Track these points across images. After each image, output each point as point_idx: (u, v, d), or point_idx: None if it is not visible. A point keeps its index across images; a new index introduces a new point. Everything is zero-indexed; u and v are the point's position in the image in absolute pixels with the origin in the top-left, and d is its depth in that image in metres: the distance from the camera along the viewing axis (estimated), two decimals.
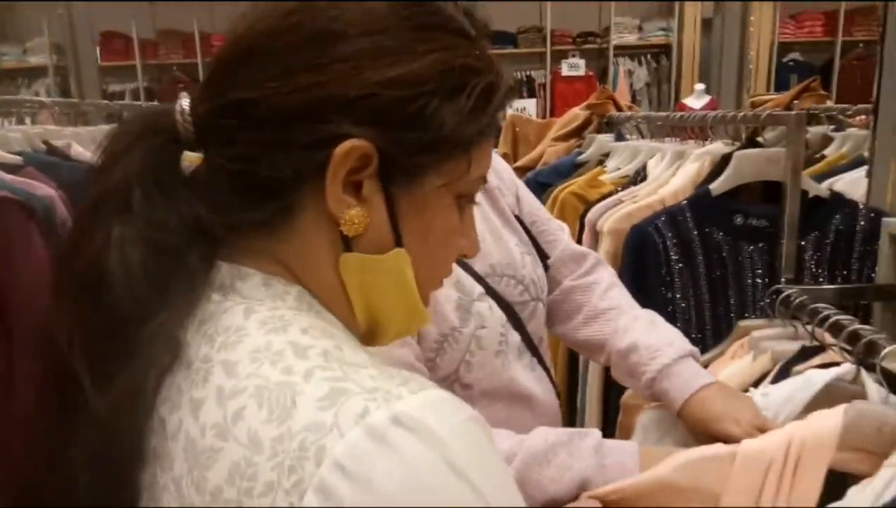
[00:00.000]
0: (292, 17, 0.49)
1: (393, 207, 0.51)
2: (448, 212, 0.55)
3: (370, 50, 0.48)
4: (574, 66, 6.48)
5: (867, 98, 1.65)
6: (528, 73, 6.67)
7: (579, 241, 1.71)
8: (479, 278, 0.94)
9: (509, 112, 3.23)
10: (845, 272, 1.47)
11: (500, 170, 1.07)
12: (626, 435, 0.99)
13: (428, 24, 0.51)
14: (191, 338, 0.48)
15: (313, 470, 0.39)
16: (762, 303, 1.29)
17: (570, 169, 2.31)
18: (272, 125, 0.48)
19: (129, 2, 6.26)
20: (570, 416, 1.87)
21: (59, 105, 2.39)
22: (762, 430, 0.79)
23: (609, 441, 0.83)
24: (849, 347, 0.84)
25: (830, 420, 0.72)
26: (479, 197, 0.62)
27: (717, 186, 1.48)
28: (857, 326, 0.84)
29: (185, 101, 0.51)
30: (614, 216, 1.69)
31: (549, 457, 0.80)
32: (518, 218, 1.05)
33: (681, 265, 1.48)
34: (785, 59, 6.42)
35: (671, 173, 1.80)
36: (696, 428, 0.88)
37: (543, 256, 1.06)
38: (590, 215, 1.77)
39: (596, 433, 0.83)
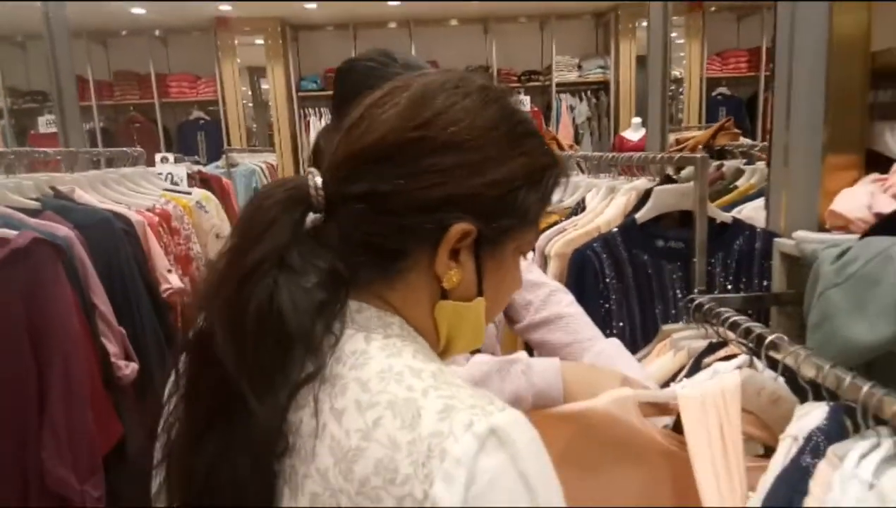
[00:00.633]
0: (418, 130, 0.59)
1: (480, 267, 0.63)
2: (515, 267, 0.69)
3: (478, 161, 0.60)
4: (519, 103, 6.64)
5: None
6: None
7: None
8: None
9: None
10: (747, 283, 1.61)
11: None
12: None
13: (518, 133, 0.63)
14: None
15: (438, 465, 0.50)
16: (681, 311, 1.48)
17: None
18: (400, 213, 0.59)
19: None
20: None
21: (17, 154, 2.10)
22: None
23: (535, 361, 0.92)
24: (744, 341, 0.96)
25: (732, 379, 0.84)
26: None
27: (641, 215, 1.63)
28: (750, 324, 0.96)
29: (317, 179, 0.61)
30: (559, 242, 1.81)
31: (486, 382, 0.90)
32: None
33: (614, 281, 1.61)
34: (714, 93, 6.65)
35: (605, 204, 1.95)
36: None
37: None
38: (539, 242, 1.88)
39: (523, 355, 0.95)
